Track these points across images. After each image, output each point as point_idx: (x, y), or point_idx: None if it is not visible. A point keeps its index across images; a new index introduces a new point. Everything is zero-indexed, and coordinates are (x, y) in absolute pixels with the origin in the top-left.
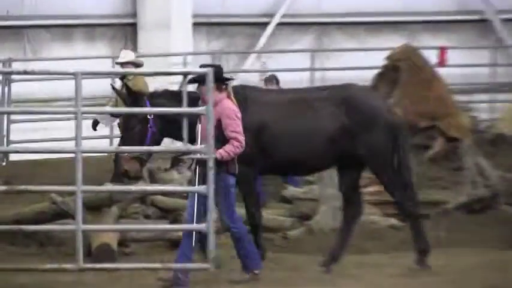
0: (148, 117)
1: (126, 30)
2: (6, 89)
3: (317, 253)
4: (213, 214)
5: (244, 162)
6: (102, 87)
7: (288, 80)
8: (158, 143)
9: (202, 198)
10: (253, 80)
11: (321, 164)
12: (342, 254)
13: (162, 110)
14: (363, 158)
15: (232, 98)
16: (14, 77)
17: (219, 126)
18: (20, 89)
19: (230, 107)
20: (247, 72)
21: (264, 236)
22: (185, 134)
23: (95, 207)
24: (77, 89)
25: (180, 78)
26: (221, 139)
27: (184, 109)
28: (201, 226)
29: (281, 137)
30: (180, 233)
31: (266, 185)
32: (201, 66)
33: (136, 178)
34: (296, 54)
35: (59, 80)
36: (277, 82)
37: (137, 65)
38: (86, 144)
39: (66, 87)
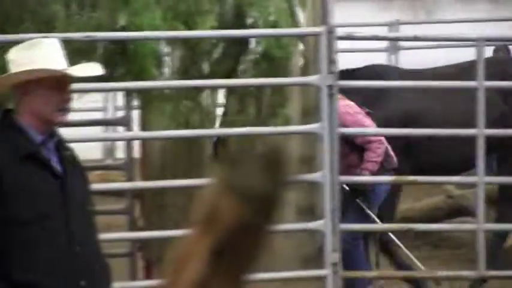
0: None
1: None
2: (393, 57)
3: None
4: None
5: None
6: None
7: None
8: None
9: None
10: None
11: None
12: None
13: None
14: None
15: None
16: (402, 43)
17: None
18: (410, 57)
19: None
20: None
21: None
22: None
23: None
24: (478, 59)
25: None
26: None
27: None
28: None
29: None
30: None
31: None
32: None
33: None
34: None
35: (454, 47)
36: (509, 52)
37: None
38: None
39: (462, 56)
